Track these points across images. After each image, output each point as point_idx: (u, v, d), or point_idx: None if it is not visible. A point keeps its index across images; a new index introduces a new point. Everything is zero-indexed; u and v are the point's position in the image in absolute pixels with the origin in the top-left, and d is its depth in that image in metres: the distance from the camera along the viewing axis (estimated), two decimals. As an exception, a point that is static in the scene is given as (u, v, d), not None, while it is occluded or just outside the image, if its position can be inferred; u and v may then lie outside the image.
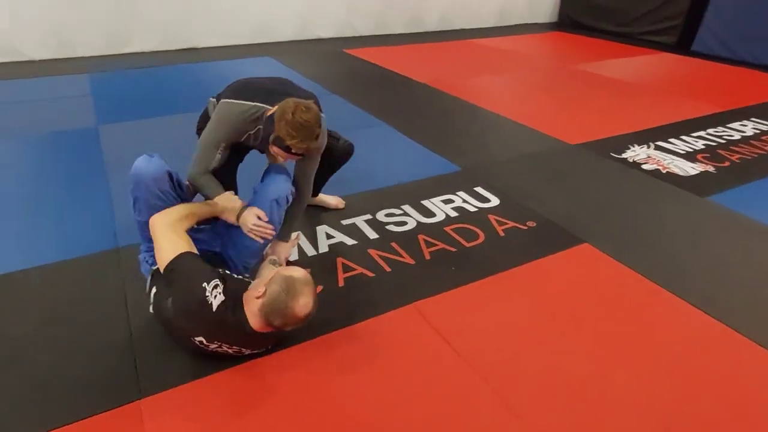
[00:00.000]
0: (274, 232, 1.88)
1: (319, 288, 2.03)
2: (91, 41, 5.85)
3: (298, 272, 1.61)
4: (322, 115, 1.96)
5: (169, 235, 1.66)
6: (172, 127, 3.71)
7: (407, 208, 2.63)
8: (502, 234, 2.42)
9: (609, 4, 7.62)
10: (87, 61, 5.69)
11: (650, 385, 1.62)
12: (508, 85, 5.12)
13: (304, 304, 1.54)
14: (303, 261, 2.20)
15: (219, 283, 1.57)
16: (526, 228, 2.48)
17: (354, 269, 2.16)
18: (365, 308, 1.93)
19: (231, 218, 1.89)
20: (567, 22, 8.47)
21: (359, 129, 3.53)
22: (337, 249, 2.30)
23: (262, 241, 1.87)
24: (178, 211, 1.75)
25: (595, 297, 2.03)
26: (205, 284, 1.55)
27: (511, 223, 2.51)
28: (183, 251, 1.62)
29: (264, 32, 6.70)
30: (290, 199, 1.95)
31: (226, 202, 1.91)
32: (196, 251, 1.66)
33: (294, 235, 2.16)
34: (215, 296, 1.54)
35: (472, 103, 4.36)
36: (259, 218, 1.84)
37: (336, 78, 5.19)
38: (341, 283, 2.07)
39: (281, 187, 1.90)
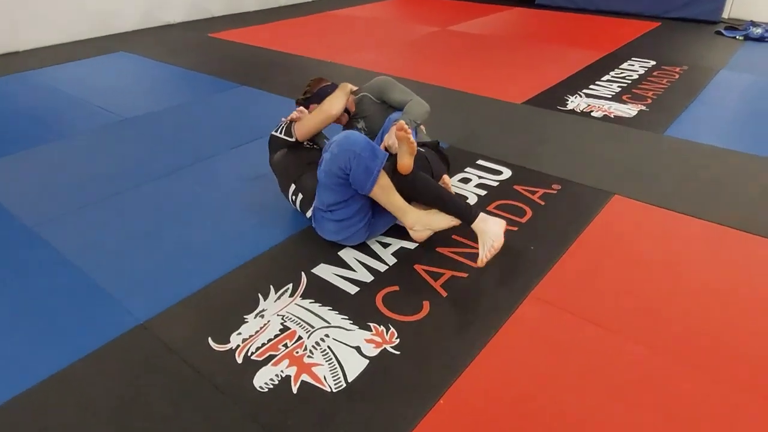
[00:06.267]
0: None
1: (426, 304, 1.80)
2: None
3: None
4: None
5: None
6: (60, 156, 2.95)
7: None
8: (542, 203, 2.40)
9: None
10: None
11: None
12: (410, 54, 5.05)
13: None
14: (381, 279, 1.92)
15: None
16: (556, 192, 2.49)
17: (442, 273, 1.95)
18: (490, 316, 1.76)
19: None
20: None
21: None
22: (404, 256, 2.05)
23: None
24: None
25: (664, 240, 2.13)
26: None
27: (541, 190, 2.49)
28: None
29: (103, 24, 5.60)
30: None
31: None
32: None
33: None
34: None
35: (399, 76, 4.19)
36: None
37: (234, 67, 4.57)
38: (444, 293, 1.85)
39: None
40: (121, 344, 1.66)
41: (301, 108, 2.31)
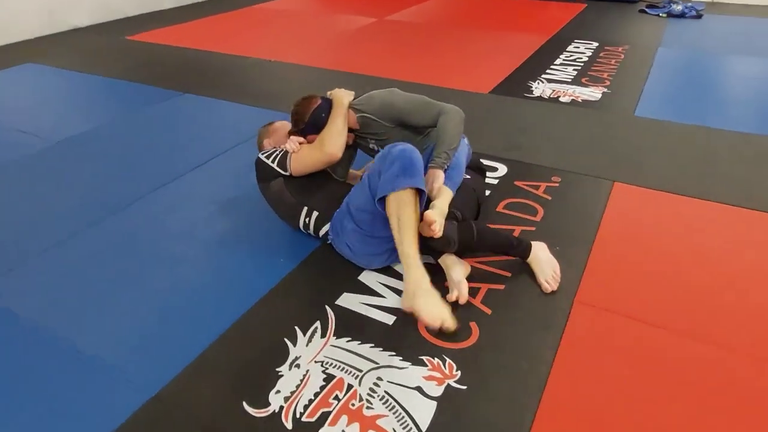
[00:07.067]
0: None
1: (474, 326, 1.65)
2: None
3: None
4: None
5: None
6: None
7: (436, 201, 2.30)
8: (548, 197, 2.32)
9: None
10: None
11: None
12: (355, 47, 4.84)
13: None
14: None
15: None
16: (558, 185, 2.42)
17: (478, 288, 1.80)
18: (545, 331, 1.64)
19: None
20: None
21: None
22: (430, 273, 1.87)
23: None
24: None
25: (680, 225, 2.12)
26: None
27: (543, 184, 2.42)
28: None
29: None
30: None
31: None
32: None
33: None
34: None
35: (351, 72, 3.99)
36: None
37: (167, 73, 4.13)
38: (488, 311, 1.71)
39: None
40: (139, 424, 1.37)
41: (300, 139, 2.00)
